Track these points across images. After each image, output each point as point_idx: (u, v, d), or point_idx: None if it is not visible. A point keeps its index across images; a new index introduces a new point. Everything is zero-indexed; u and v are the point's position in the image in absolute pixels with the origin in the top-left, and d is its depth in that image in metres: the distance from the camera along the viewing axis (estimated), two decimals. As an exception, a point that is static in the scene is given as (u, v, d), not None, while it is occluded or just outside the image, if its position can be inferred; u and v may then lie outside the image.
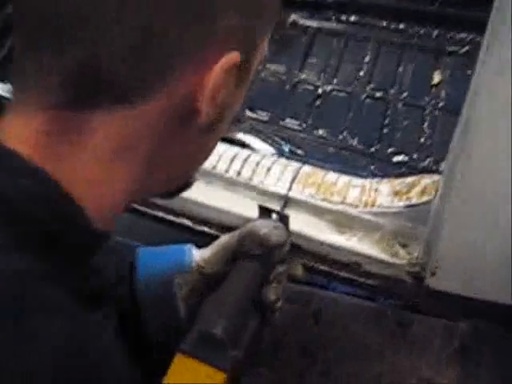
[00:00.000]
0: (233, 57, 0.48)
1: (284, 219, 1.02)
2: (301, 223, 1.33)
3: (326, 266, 1.34)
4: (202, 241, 1.51)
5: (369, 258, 1.29)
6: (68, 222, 0.47)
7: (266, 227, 0.89)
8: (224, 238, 0.91)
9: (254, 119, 1.77)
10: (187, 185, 0.67)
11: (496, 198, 0.97)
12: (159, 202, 1.39)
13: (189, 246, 0.92)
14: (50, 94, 0.45)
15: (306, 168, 1.40)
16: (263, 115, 1.77)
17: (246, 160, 1.42)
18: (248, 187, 1.38)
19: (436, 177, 1.23)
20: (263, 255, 0.88)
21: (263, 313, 0.88)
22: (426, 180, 1.25)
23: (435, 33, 1.90)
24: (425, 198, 1.19)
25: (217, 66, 0.48)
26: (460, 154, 0.99)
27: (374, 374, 1.50)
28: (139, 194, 0.55)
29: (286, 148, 1.66)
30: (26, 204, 0.45)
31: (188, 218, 1.43)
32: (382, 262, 1.28)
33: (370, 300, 1.63)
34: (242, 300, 0.82)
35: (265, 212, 1.03)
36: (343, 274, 1.34)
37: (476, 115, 0.93)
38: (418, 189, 1.24)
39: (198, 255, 0.90)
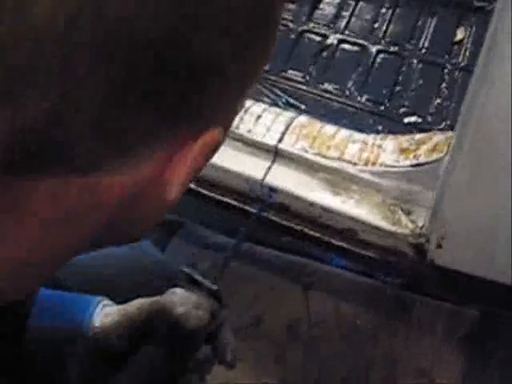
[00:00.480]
0: (214, 135, 0.40)
1: (216, 294, 0.76)
2: (290, 180, 1.16)
3: (316, 231, 1.17)
4: (182, 196, 1.34)
5: (366, 224, 1.12)
6: None
7: (184, 305, 0.70)
8: (131, 308, 0.72)
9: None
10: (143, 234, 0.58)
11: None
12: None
13: (98, 299, 0.74)
14: None
15: (302, 118, 1.22)
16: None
17: (233, 106, 1.23)
18: (233, 136, 1.20)
19: (451, 133, 1.04)
20: (178, 339, 0.69)
21: None
22: (439, 136, 1.06)
23: (462, -14, 1.71)
24: (435, 156, 1.01)
25: (196, 145, 0.40)
26: (475, 102, 0.80)
27: (365, 359, 1.33)
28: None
29: (281, 101, 1.47)
30: None
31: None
32: (381, 230, 1.11)
33: (367, 276, 1.46)
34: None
35: (191, 281, 0.78)
36: (336, 241, 1.17)
37: (492, 66, 0.75)
38: (428, 146, 1.06)
39: (98, 320, 0.72)
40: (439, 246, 1.02)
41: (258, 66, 0.42)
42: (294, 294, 1.43)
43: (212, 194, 1.25)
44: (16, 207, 0.39)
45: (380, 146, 1.13)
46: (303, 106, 1.49)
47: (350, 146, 1.15)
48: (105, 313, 0.74)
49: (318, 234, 1.18)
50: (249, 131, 1.19)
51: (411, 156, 1.07)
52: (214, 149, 0.42)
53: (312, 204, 1.14)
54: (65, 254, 0.45)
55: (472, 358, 1.33)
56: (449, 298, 1.32)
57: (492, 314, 1.32)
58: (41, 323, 0.71)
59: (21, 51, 0.32)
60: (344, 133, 1.19)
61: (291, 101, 1.51)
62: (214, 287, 0.76)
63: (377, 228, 1.11)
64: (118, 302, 0.96)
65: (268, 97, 1.50)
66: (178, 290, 0.72)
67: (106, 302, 0.74)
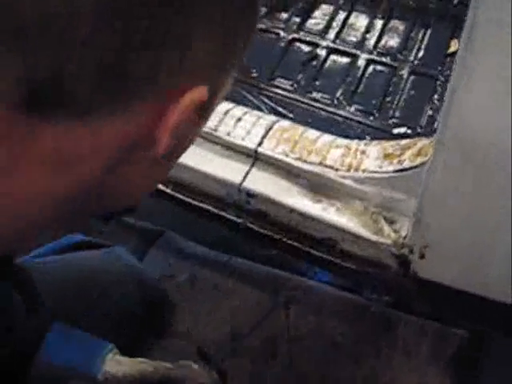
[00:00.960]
0: (200, 92, 0.45)
1: (222, 375, 0.83)
2: (269, 185, 1.10)
3: (295, 240, 1.11)
4: (157, 200, 1.29)
5: (347, 233, 1.06)
6: None
7: (194, 381, 0.74)
8: (147, 366, 0.75)
9: (241, 75, 1.54)
10: (130, 209, 0.64)
11: (496, 152, 0.73)
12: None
13: (110, 346, 0.77)
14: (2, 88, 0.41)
15: (283, 122, 1.17)
16: (252, 72, 1.54)
17: (213, 108, 1.18)
18: (211, 139, 1.15)
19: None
20: None
21: None
22: (424, 141, 1.01)
23: (456, -2, 1.67)
24: (419, 160, 0.95)
25: (183, 100, 0.44)
26: (453, 102, 0.75)
27: (347, 378, 1.26)
28: (71, 214, 0.51)
29: (267, 109, 1.43)
30: None
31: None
32: (362, 239, 1.05)
33: (350, 292, 1.39)
34: None
35: (202, 357, 0.89)
36: (316, 252, 1.11)
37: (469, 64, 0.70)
38: (412, 150, 1.00)
39: (110, 366, 0.74)
40: (422, 257, 0.96)
41: (245, 17, 0.46)
42: (274, 309, 1.36)
43: (189, 200, 1.20)
44: (23, 145, 0.43)
45: (364, 152, 1.08)
46: (291, 115, 1.45)
47: (332, 151, 1.10)
48: (117, 360, 0.75)
49: (297, 244, 1.12)
50: (228, 134, 1.14)
51: (395, 161, 1.02)
52: (203, 107, 0.46)
53: (291, 211, 1.09)
54: (62, 203, 0.47)
55: (460, 382, 1.26)
56: (435, 315, 1.25)
57: (481, 333, 1.25)
58: (49, 359, 0.71)
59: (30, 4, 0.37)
60: (327, 138, 1.13)
61: (278, 109, 1.46)
62: (223, 368, 0.84)
63: (358, 237, 1.05)
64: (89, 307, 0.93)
65: (254, 104, 1.45)
66: (194, 365, 0.76)
67: (116, 350, 0.77)
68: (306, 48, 1.61)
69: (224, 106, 1.20)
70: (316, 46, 1.60)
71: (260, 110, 1.40)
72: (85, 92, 0.41)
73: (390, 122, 1.43)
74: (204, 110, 0.48)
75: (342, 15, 1.68)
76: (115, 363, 0.74)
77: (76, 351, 0.74)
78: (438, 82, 1.51)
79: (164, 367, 0.75)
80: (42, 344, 0.72)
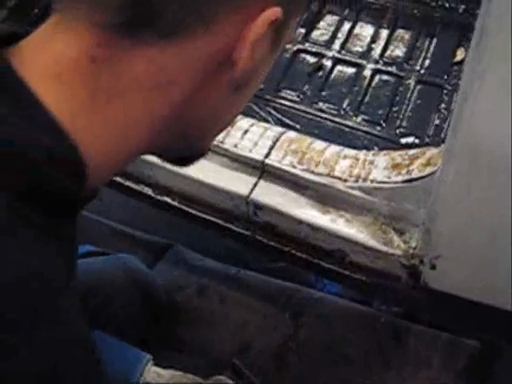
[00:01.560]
0: (275, 11, 0.48)
1: None
2: (277, 197, 1.09)
3: (304, 252, 1.10)
4: (163, 213, 1.29)
5: (356, 245, 1.05)
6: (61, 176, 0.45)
7: None
8: (184, 380, 0.79)
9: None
10: (200, 154, 0.64)
11: (508, 160, 0.72)
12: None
13: (148, 357, 0.79)
14: (104, 10, 0.45)
15: (290, 134, 1.17)
16: (257, 84, 1.54)
17: (219, 120, 1.18)
18: (218, 151, 1.15)
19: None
20: None
21: None
22: (433, 150, 1.00)
23: (461, 7, 1.66)
24: (428, 170, 0.94)
25: (260, 18, 0.48)
26: (463, 110, 0.75)
27: (356, 390, 1.25)
28: (155, 147, 0.54)
29: (274, 120, 1.42)
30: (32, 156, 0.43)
31: (146, 184, 1.20)
32: (371, 251, 1.04)
33: (360, 303, 1.38)
34: None
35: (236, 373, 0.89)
36: (325, 264, 1.10)
37: (479, 71, 0.70)
38: (421, 160, 1.00)
39: (149, 377, 0.76)
40: (433, 267, 0.95)
41: None
42: (283, 321, 1.35)
43: (196, 212, 1.19)
44: (121, 70, 0.46)
45: (372, 162, 1.07)
46: (297, 126, 1.44)
47: (340, 162, 1.09)
48: (156, 372, 0.75)
49: (305, 256, 1.12)
50: (235, 146, 1.14)
51: (404, 171, 1.01)
52: (278, 28, 0.50)
53: (300, 222, 1.08)
54: (157, 126, 0.50)
55: (471, 392, 1.25)
56: (446, 326, 1.24)
57: (493, 343, 1.24)
58: None
59: None
60: (334, 148, 1.13)
61: (285, 120, 1.46)
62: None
63: (367, 249, 1.05)
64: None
65: (261, 115, 1.45)
66: (228, 381, 0.78)
67: (153, 361, 0.78)
68: (311, 59, 1.61)
69: (231, 118, 1.19)
70: (322, 56, 1.60)
71: (267, 121, 1.40)
72: (172, 11, 0.45)
73: (397, 131, 1.43)
74: (279, 32, 0.51)
75: (347, 26, 1.68)
76: (154, 375, 0.74)
77: (114, 360, 0.72)
78: (445, 91, 1.50)
79: (200, 382, 0.73)
80: None
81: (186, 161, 0.63)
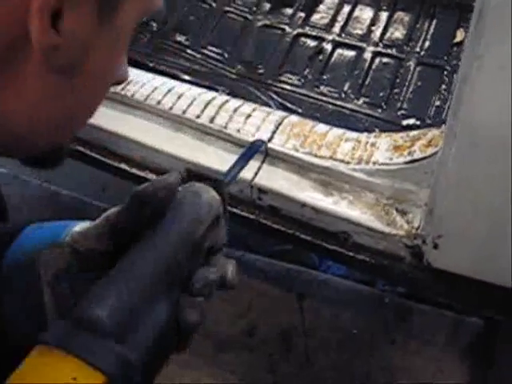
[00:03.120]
0: None
1: (221, 190, 0.62)
2: (280, 181, 1.11)
3: (308, 234, 1.11)
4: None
5: (360, 226, 1.06)
6: None
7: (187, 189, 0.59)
8: (112, 210, 0.61)
9: (248, 72, 1.55)
10: (57, 155, 0.58)
11: (508, 140, 0.73)
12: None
13: (85, 222, 0.65)
14: None
15: (293, 118, 1.17)
16: (259, 68, 1.55)
17: (222, 105, 1.19)
18: (221, 136, 1.16)
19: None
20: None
21: (179, 336, 0.59)
22: (434, 131, 1.01)
23: (461, -13, 1.66)
24: (429, 151, 0.96)
25: None
26: (463, 90, 0.75)
27: (362, 370, 1.27)
28: None
29: (276, 104, 1.43)
30: None
31: (151, 170, 1.22)
32: (375, 231, 1.05)
33: (364, 284, 1.40)
34: (143, 279, 0.54)
35: (193, 179, 0.65)
36: (329, 245, 1.11)
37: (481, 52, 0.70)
38: (423, 141, 1.01)
39: (78, 228, 0.63)
40: (435, 247, 0.96)
41: None
42: (289, 303, 1.37)
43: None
44: None
45: (374, 144, 1.09)
46: (299, 110, 1.45)
47: (342, 145, 1.10)
48: (85, 224, 0.64)
49: (310, 238, 1.13)
50: (238, 131, 1.15)
51: (405, 152, 1.02)
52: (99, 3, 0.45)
53: (303, 205, 1.09)
54: None
55: (475, 370, 1.26)
56: (449, 305, 1.26)
57: (496, 322, 1.25)
58: (21, 246, 0.64)
59: None
60: (336, 131, 1.14)
61: (287, 104, 1.47)
62: (222, 178, 0.65)
63: (371, 230, 1.06)
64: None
65: (262, 100, 1.45)
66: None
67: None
68: (311, 43, 1.61)
69: (233, 103, 1.21)
70: (322, 40, 1.60)
71: (268, 105, 1.41)
72: None
73: (399, 113, 1.44)
74: (105, 12, 0.46)
75: (346, 8, 1.68)
76: (85, 224, 0.63)
77: (48, 229, 0.65)
78: (445, 72, 1.51)
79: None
80: (15, 239, 0.65)
81: (43, 162, 0.58)
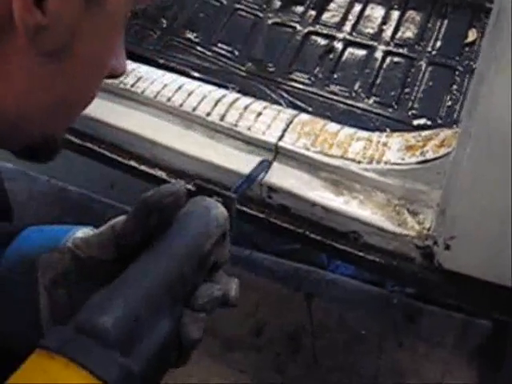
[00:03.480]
0: None
1: (229, 205, 0.63)
2: (290, 180, 1.10)
3: (318, 234, 1.11)
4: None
5: (370, 226, 1.05)
6: None
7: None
8: (117, 219, 0.60)
9: (258, 70, 1.54)
10: (51, 147, 0.56)
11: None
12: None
13: (88, 227, 0.65)
14: None
15: (303, 116, 1.17)
16: (269, 66, 1.54)
17: (233, 103, 1.18)
18: (232, 134, 1.15)
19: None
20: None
21: (180, 351, 0.59)
22: (447, 132, 1.00)
23: (474, -13, 1.65)
24: (442, 151, 0.95)
25: None
26: (480, 90, 0.75)
27: (370, 370, 1.26)
28: None
29: (286, 103, 1.42)
30: None
31: (161, 168, 1.21)
32: (385, 232, 1.05)
33: (373, 284, 1.39)
34: (149, 289, 0.53)
35: (202, 193, 0.65)
36: (339, 245, 1.10)
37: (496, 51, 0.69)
38: (435, 141, 1.00)
39: (80, 233, 0.63)
40: (447, 248, 0.95)
41: None
42: (297, 303, 1.37)
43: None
44: None
45: (385, 144, 1.08)
46: (309, 108, 1.44)
47: (353, 144, 1.09)
48: (87, 230, 0.64)
49: (320, 237, 1.12)
50: (248, 128, 1.14)
51: (418, 153, 1.01)
52: None
53: (314, 204, 1.09)
54: None
55: (484, 372, 1.26)
56: (459, 307, 1.25)
57: (505, 324, 1.24)
58: (19, 248, 0.63)
59: None
60: (347, 130, 1.13)
61: (297, 103, 1.46)
62: (232, 194, 0.65)
63: (381, 230, 1.05)
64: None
65: (273, 98, 1.45)
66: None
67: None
68: (322, 41, 1.60)
69: (243, 100, 1.20)
70: (333, 38, 1.60)
71: (278, 104, 1.40)
72: None
73: (410, 113, 1.43)
74: None
75: (357, 7, 1.67)
76: (88, 230, 0.64)
77: (47, 233, 0.64)
78: (457, 72, 1.50)
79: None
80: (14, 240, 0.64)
81: (36, 155, 0.57)
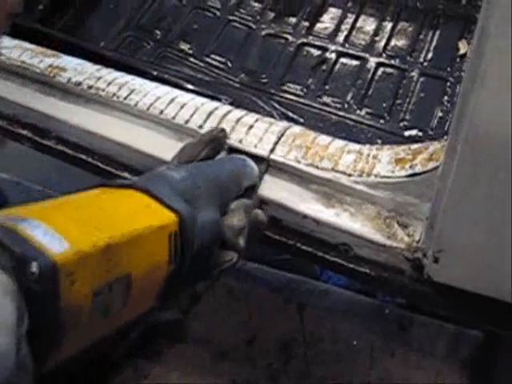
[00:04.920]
0: None
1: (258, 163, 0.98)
2: (282, 192, 1.11)
3: (309, 245, 1.11)
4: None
5: (361, 238, 1.06)
6: None
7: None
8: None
9: (251, 81, 1.55)
10: None
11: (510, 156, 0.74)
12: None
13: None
14: None
15: (295, 128, 1.17)
16: (262, 77, 1.55)
17: (225, 116, 1.19)
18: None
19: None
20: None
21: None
22: (436, 145, 1.01)
23: (464, -2, 1.67)
24: (431, 165, 0.96)
25: None
26: (466, 103, 0.76)
27: (362, 380, 1.27)
28: None
29: (278, 114, 1.43)
30: None
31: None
32: (375, 244, 1.05)
33: (364, 295, 1.40)
34: (212, 183, 0.74)
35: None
36: (330, 257, 1.11)
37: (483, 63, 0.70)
38: (424, 155, 1.01)
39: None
40: (436, 261, 0.96)
41: None
42: (289, 313, 1.37)
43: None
44: None
45: (375, 157, 1.09)
46: (301, 120, 1.46)
47: (344, 157, 1.10)
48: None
49: (311, 249, 1.13)
50: (240, 141, 1.15)
51: (407, 166, 1.02)
52: None
53: (305, 217, 1.09)
54: None
55: (474, 382, 1.26)
56: (450, 317, 1.26)
57: (496, 335, 1.25)
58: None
59: None
60: (338, 143, 1.14)
61: (289, 114, 1.47)
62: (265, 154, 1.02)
63: (371, 242, 1.06)
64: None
65: (265, 110, 1.46)
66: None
67: None
68: (315, 52, 1.62)
69: (235, 113, 1.21)
70: (325, 50, 1.61)
71: (271, 115, 1.41)
72: None
73: (401, 124, 1.44)
74: None
75: (350, 18, 1.68)
76: None
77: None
78: (448, 84, 1.51)
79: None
80: None
81: None
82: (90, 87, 1.26)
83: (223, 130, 1.00)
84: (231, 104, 1.38)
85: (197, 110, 1.21)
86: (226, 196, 0.75)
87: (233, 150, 1.08)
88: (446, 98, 1.48)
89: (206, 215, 0.66)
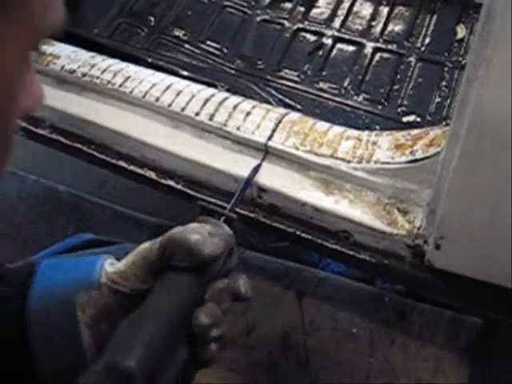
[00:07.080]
0: None
1: (231, 223, 0.73)
2: (280, 180, 1.10)
3: (308, 233, 1.10)
4: (167, 197, 1.29)
5: (361, 225, 1.05)
6: None
7: (197, 233, 0.65)
8: (143, 246, 0.66)
9: (247, 67, 1.53)
10: None
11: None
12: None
13: (104, 256, 0.69)
14: None
15: (293, 115, 1.16)
16: (258, 63, 1.53)
17: (222, 102, 1.18)
18: (221, 134, 1.15)
19: (448, 127, 0.98)
20: (197, 268, 0.64)
21: (193, 344, 0.62)
22: (436, 130, 1.00)
23: (462, -18, 1.65)
24: (432, 151, 0.95)
25: None
26: (470, 90, 0.74)
27: (361, 369, 1.26)
28: None
29: (275, 100, 1.42)
30: None
31: (150, 168, 1.20)
32: (376, 231, 1.04)
33: (364, 282, 1.39)
34: (166, 325, 0.59)
35: (206, 212, 0.77)
36: (330, 244, 1.10)
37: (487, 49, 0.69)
38: (425, 140, 1.00)
39: (110, 268, 0.67)
40: (437, 247, 0.95)
41: None
42: (288, 302, 1.36)
43: (200, 195, 1.19)
44: None
45: (375, 143, 1.07)
46: (298, 106, 1.44)
47: (343, 143, 1.09)
48: (116, 263, 0.68)
49: (310, 237, 1.12)
50: (238, 128, 1.14)
51: (407, 152, 1.01)
52: None
53: (304, 204, 1.08)
54: None
55: (474, 368, 1.26)
56: (449, 304, 1.25)
57: (495, 321, 1.25)
58: (45, 285, 0.65)
59: None
60: (337, 129, 1.13)
61: (286, 100, 1.46)
62: (232, 215, 0.76)
63: (372, 229, 1.05)
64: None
65: (262, 96, 1.44)
66: (190, 224, 0.68)
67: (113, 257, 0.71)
68: (311, 38, 1.60)
69: (232, 100, 1.19)
70: (321, 35, 1.59)
71: (267, 101, 1.39)
72: None
73: (399, 110, 1.43)
74: None
75: (346, 3, 1.66)
76: (114, 263, 0.68)
77: (72, 269, 0.67)
78: (446, 69, 1.49)
79: (159, 239, 0.65)
80: (34, 278, 0.66)
81: None
82: (84, 75, 1.24)
83: None
84: (227, 90, 1.36)
85: (193, 97, 1.20)
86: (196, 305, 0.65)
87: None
88: (443, 83, 1.47)
89: (169, 376, 0.60)
